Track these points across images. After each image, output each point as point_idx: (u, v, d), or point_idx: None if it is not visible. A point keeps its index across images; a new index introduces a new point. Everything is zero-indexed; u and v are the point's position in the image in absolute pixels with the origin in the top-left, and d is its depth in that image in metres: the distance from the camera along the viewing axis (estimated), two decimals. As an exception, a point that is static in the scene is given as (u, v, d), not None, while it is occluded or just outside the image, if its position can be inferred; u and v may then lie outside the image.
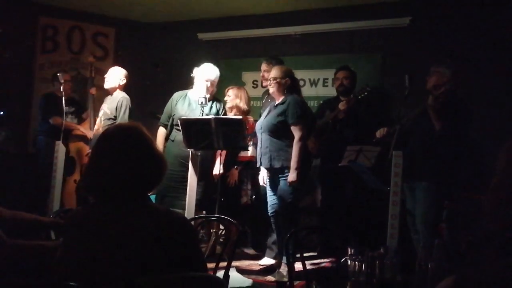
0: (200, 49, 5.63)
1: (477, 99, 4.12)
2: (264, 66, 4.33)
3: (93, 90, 5.05)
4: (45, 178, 4.35)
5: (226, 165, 4.22)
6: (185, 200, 3.62)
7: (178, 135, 3.90)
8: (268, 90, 4.26)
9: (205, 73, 3.99)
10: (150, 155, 1.54)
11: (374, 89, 4.35)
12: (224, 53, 5.66)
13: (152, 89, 5.95)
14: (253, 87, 5.38)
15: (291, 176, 3.57)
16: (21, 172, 5.16)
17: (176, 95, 4.13)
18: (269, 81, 3.83)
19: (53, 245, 1.91)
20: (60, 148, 4.21)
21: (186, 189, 3.65)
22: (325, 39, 5.16)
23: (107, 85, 4.50)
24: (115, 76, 4.47)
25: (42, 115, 5.09)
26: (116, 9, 5.67)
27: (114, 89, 4.48)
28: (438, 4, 4.64)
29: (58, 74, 4.75)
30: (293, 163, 3.56)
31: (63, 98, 4.44)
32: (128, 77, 4.56)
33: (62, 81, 4.55)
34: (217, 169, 3.97)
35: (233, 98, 4.38)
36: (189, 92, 4.10)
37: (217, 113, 4.03)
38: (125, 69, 4.60)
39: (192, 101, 4.03)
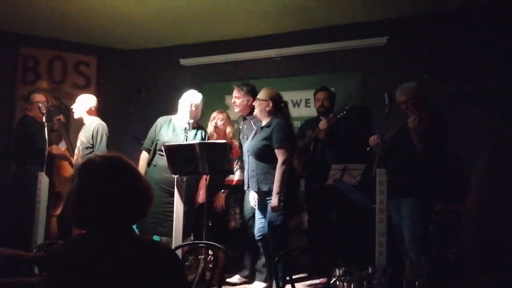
0: (183, 74, 5.66)
1: (454, 113, 4.21)
2: (235, 92, 4.27)
3: (60, 117, 4.89)
4: (31, 211, 4.24)
5: (213, 190, 4.20)
6: (167, 226, 3.60)
7: (160, 160, 3.88)
8: (242, 116, 4.31)
9: (190, 98, 4.03)
10: (135, 187, 1.51)
11: (353, 108, 4.41)
12: (206, 77, 5.70)
13: (136, 114, 5.95)
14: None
15: (273, 201, 3.56)
16: (3, 205, 5.02)
17: (160, 120, 4.13)
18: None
19: (37, 281, 1.87)
20: (44, 180, 4.14)
21: (167, 214, 3.65)
22: (306, 60, 5.23)
23: (75, 115, 4.38)
24: (80, 104, 4.35)
25: (26, 141, 4.71)
26: (97, 37, 5.68)
27: (84, 117, 4.36)
28: (413, 22, 4.76)
29: (32, 95, 4.69)
30: (275, 187, 3.56)
31: (45, 124, 4.22)
32: (101, 101, 4.45)
33: (36, 101, 4.49)
34: (201, 196, 4.00)
35: (224, 122, 4.41)
36: (173, 117, 4.11)
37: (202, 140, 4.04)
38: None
39: (177, 127, 4.04)
